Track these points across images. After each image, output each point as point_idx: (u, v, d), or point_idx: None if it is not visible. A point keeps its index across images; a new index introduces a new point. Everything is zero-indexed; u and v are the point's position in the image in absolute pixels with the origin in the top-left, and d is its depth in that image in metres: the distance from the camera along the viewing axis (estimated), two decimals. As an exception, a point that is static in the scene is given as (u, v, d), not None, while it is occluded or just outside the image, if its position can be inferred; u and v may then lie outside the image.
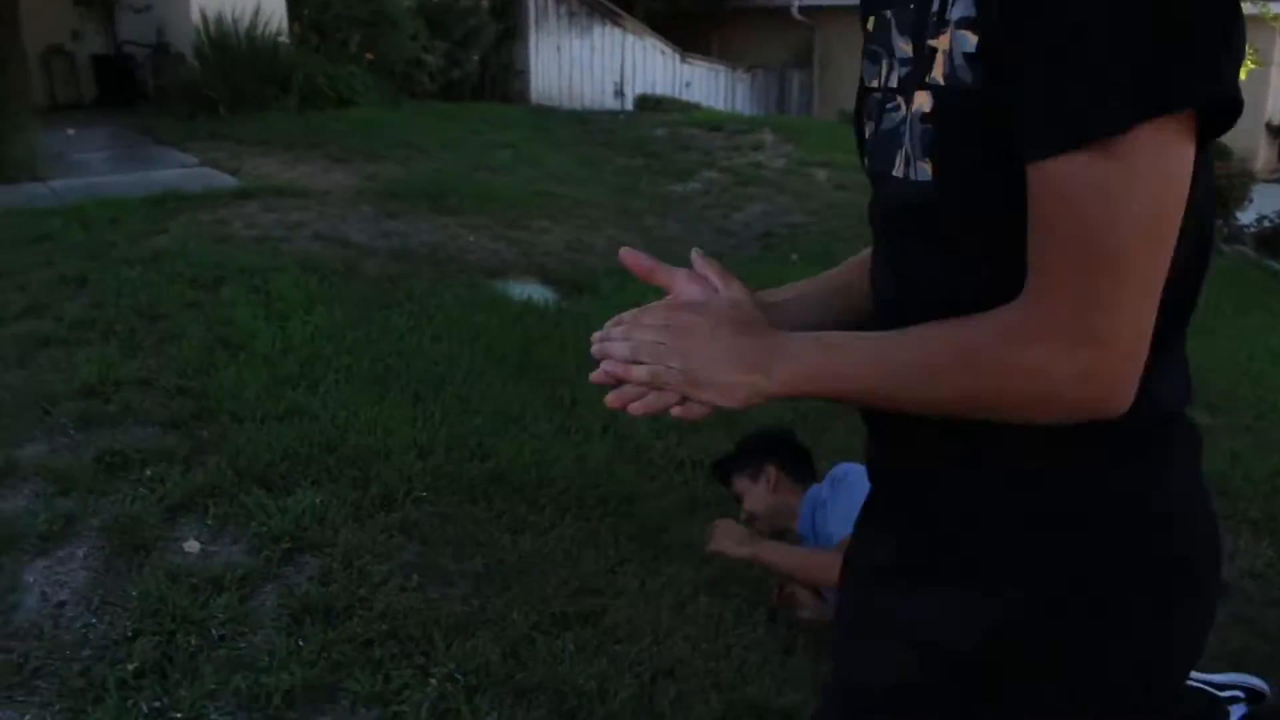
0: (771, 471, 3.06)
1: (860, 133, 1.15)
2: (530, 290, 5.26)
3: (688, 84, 15.64)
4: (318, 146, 7.67)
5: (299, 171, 6.93)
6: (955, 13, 0.93)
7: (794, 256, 6.71)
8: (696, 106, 13.87)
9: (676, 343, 1.02)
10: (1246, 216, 9.75)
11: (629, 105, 14.36)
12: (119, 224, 5.58)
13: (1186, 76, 0.83)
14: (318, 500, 3.09)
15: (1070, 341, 0.89)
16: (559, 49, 14.07)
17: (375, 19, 9.88)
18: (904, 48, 1.02)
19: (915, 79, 1.00)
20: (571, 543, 3.10)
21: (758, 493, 3.04)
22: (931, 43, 0.96)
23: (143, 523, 2.92)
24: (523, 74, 13.71)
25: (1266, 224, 9.51)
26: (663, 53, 15.39)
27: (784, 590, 2.98)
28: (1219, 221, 9.22)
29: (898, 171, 1.03)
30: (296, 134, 7.87)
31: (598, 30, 14.53)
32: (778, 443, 3.17)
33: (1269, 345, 6.60)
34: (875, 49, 1.08)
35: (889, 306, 1.11)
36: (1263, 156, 17.98)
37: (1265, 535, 3.98)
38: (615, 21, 14.76)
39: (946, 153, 0.97)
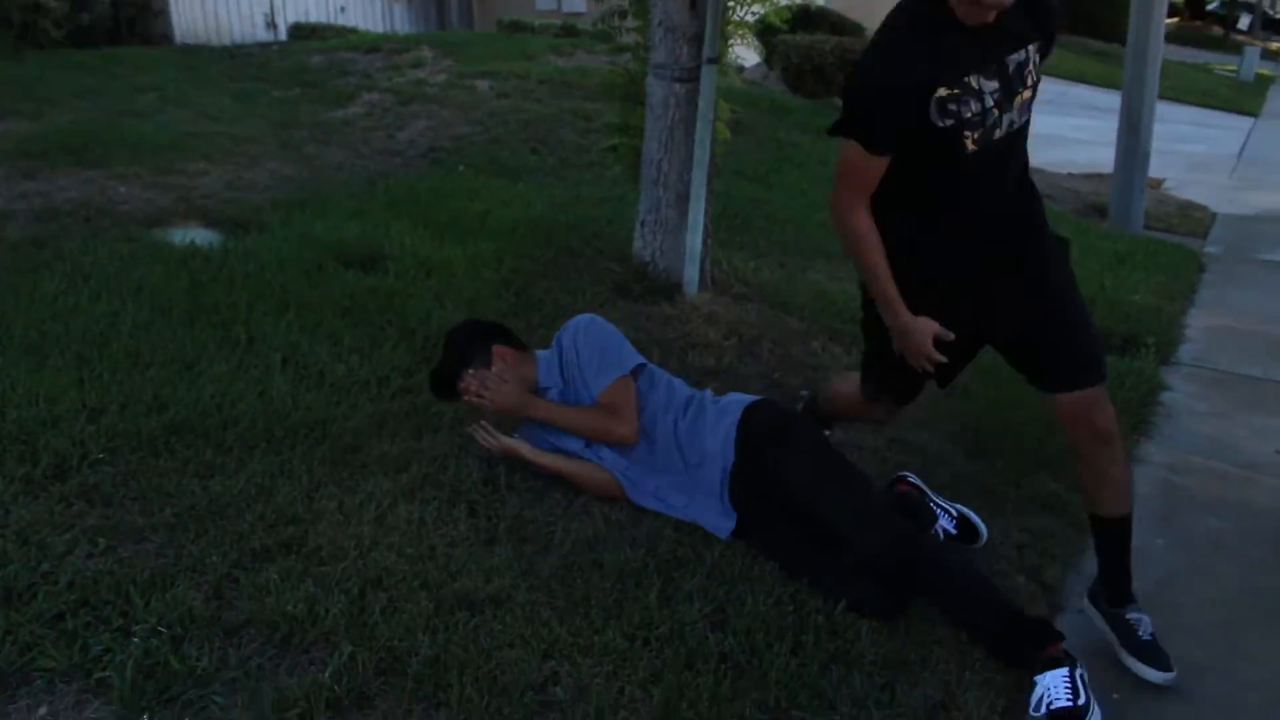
0: (503, 350, 3.22)
1: (957, 140, 2.54)
2: (193, 234, 5.04)
3: (342, 9, 15.12)
4: (-73, 109, 6.97)
5: (-93, 139, 6.29)
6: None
7: (461, 167, 6.74)
8: (354, 31, 13.46)
9: None
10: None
11: (283, 36, 13.75)
12: None
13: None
14: (-20, 480, 2.90)
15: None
16: (199, -18, 13.26)
17: (-22, -37, 8.97)
18: (992, 85, 2.52)
19: (1009, 94, 2.56)
20: (264, 477, 3.07)
21: (498, 374, 3.19)
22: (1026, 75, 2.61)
23: None
24: (162, 13, 12.84)
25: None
26: (313, -23, 14.79)
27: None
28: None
29: (1001, 131, 2.57)
30: (-106, 97, 7.12)
31: (238, -41, 13.77)
32: (484, 329, 3.33)
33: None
34: (965, 98, 2.50)
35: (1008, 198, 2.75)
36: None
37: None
38: (256, -52, 14.01)
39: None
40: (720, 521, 3.03)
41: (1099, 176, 9.01)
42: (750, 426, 3.03)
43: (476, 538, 2.92)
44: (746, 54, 11.45)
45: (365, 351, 3.91)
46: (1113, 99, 9.57)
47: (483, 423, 3.24)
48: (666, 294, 4.66)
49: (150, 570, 2.64)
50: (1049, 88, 18.45)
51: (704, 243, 4.72)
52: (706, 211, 4.68)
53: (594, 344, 3.17)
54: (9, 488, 2.90)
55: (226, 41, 13.07)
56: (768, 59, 11.31)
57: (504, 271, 4.79)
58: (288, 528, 2.87)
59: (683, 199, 4.65)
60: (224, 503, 2.94)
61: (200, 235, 5.06)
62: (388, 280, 4.54)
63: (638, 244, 4.89)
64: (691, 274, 4.67)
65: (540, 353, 3.31)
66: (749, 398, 3.18)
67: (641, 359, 3.22)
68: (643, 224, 4.83)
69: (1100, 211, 8.41)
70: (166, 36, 12.73)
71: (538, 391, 3.23)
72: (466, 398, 3.21)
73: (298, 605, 2.55)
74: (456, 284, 4.58)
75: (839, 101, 2.73)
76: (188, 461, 3.13)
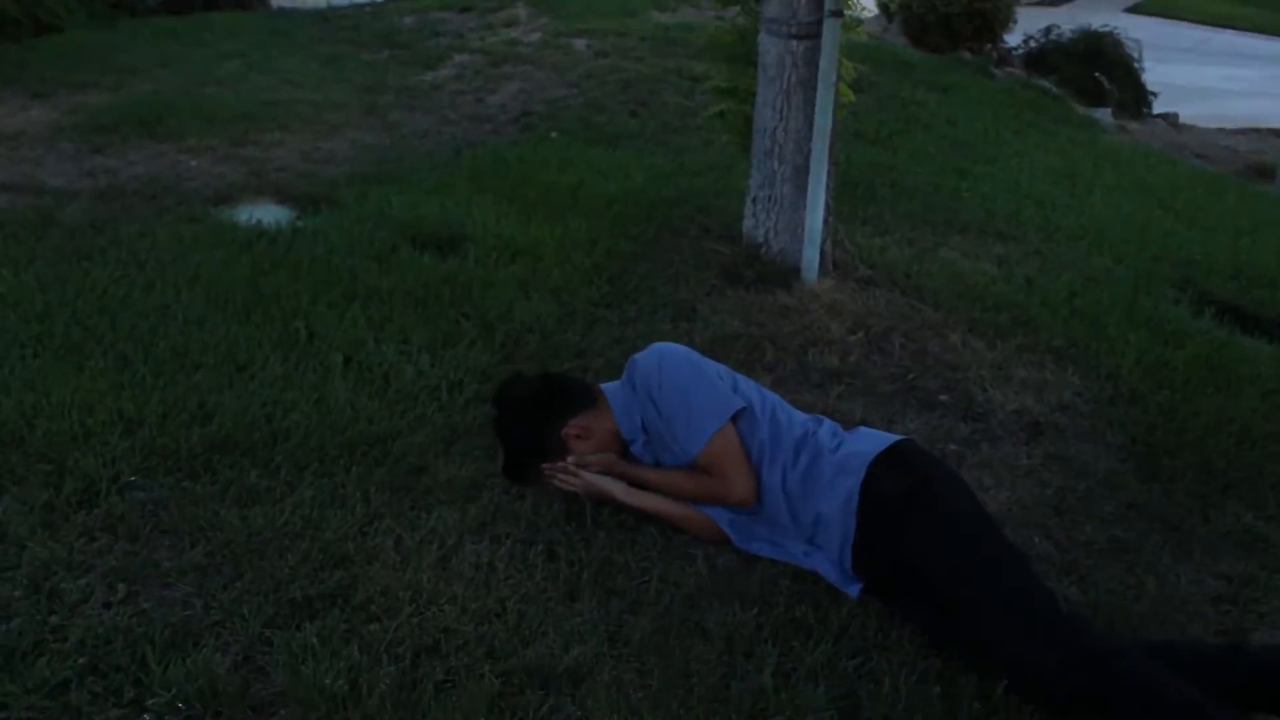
0: (572, 428, 2.71)
1: None
2: (260, 213, 4.63)
3: (441, -34, 14.67)
4: (12, 82, 6.72)
5: (-13, 113, 6.03)
6: None
7: (554, 134, 6.24)
8: (450, -11, 13.03)
9: None
10: (1014, 39, 9.74)
11: (379, -3, 13.40)
12: None
13: None
14: (-3, 510, 2.52)
15: None
16: (296, -57, 12.93)
17: (72, -72, 8.74)
18: None
19: None
20: (312, 506, 2.64)
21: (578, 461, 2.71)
22: None
23: None
24: (261, -25, 12.54)
25: (1032, 44, 9.52)
26: (410, -64, 14.37)
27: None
28: (988, 46, 9.16)
29: None
30: (-19, 70, 6.90)
31: (338, -81, 13.40)
32: (542, 412, 2.77)
33: (1048, 165, 6.54)
34: None
35: None
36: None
37: (1069, 363, 3.83)
38: (354, -93, 13.62)
39: None
40: (844, 582, 2.49)
41: (1259, 132, 8.10)
42: (880, 494, 2.42)
43: (555, 590, 2.44)
44: (865, 2, 10.72)
45: (437, 350, 3.46)
46: (1273, 45, 8.64)
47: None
48: (782, 280, 4.10)
49: (172, 627, 2.24)
50: (1182, 33, 17.35)
51: (824, 221, 4.15)
52: (828, 187, 4.10)
53: (676, 394, 2.60)
54: (27, 519, 2.52)
55: (322, 4, 12.75)
56: (887, 8, 10.56)
57: (597, 255, 4.28)
58: (335, 572, 2.44)
59: (800, 172, 4.08)
60: (264, 538, 2.52)
61: (269, 213, 4.67)
62: (467, 266, 4.08)
63: (748, 223, 4.34)
64: (811, 257, 4.10)
65: (609, 390, 2.77)
66: (876, 444, 2.52)
67: (739, 401, 2.61)
68: (754, 200, 4.28)
69: (1264, 173, 7.54)
70: (264, 1, 12.45)
71: (622, 442, 2.73)
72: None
73: (338, 678, 2.11)
74: (543, 270, 4.10)
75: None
76: (229, 485, 2.71)
